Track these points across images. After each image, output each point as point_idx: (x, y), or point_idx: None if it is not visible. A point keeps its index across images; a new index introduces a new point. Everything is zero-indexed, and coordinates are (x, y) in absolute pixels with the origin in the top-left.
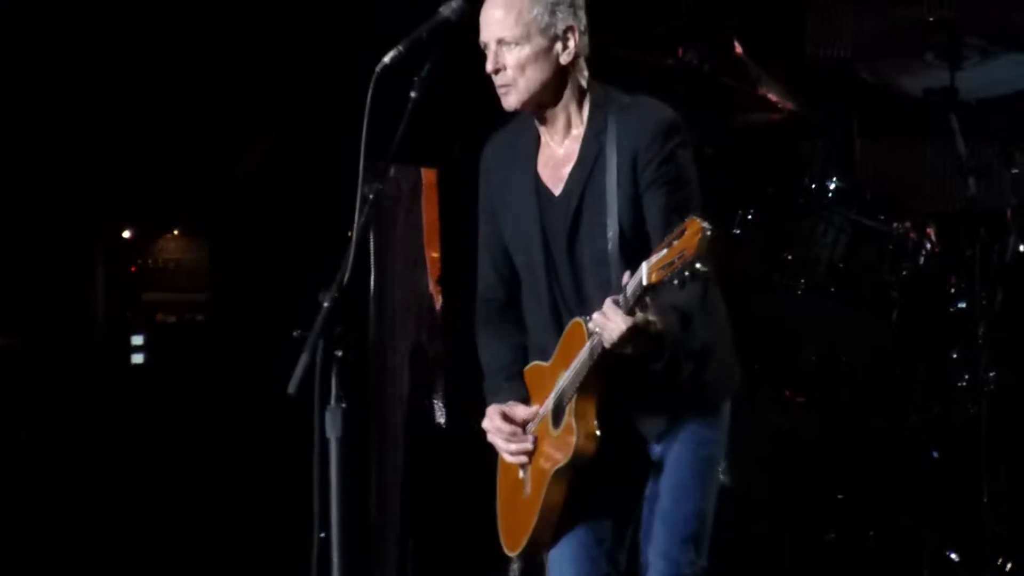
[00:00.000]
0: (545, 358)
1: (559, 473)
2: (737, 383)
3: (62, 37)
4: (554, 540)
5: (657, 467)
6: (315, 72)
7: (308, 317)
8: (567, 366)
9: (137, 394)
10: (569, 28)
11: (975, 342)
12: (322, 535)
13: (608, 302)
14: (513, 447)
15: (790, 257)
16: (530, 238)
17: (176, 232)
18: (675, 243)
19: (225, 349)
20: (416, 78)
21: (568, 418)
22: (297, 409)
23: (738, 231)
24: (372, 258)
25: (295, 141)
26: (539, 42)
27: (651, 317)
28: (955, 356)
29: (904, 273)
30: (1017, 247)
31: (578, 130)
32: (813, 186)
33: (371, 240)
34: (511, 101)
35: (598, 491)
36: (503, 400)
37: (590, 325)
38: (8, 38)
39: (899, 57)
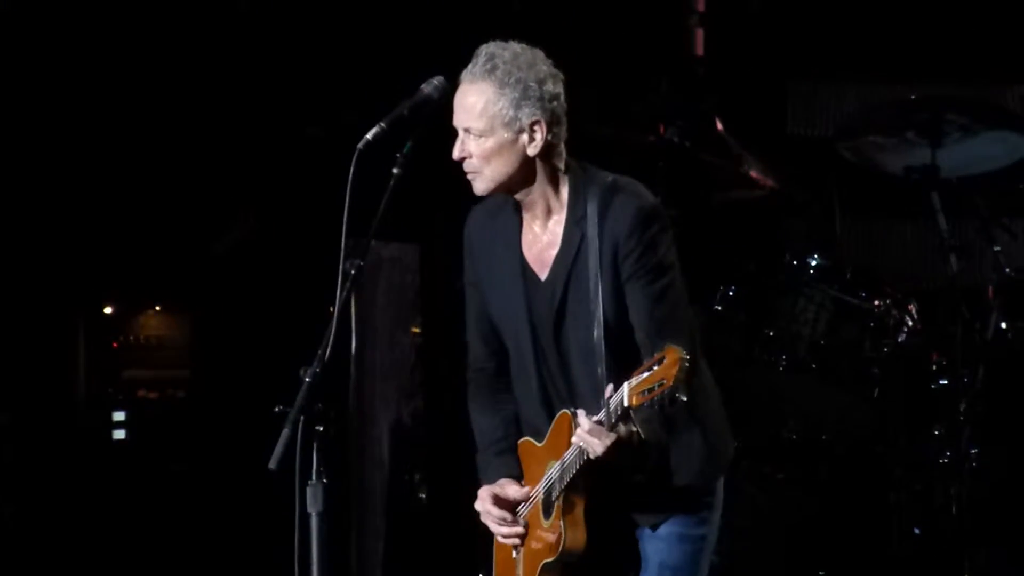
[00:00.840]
0: (538, 438)
1: (548, 567)
2: (730, 458)
3: (42, 111)
4: None
5: (652, 557)
6: (297, 148)
7: (289, 393)
8: (557, 456)
9: (118, 470)
10: (536, 122)
11: (957, 419)
12: None
13: (590, 422)
14: (504, 531)
15: (771, 333)
16: (518, 320)
17: (157, 308)
18: (656, 369)
19: (206, 425)
20: (398, 155)
21: (556, 514)
22: (278, 485)
23: (719, 307)
24: (353, 328)
25: (277, 217)
26: (503, 135)
27: (635, 428)
28: (937, 433)
29: (885, 350)
30: (999, 324)
31: (559, 215)
32: (795, 263)
33: (352, 312)
34: (479, 187)
35: None
36: (493, 478)
37: (574, 439)
38: None
39: (880, 135)
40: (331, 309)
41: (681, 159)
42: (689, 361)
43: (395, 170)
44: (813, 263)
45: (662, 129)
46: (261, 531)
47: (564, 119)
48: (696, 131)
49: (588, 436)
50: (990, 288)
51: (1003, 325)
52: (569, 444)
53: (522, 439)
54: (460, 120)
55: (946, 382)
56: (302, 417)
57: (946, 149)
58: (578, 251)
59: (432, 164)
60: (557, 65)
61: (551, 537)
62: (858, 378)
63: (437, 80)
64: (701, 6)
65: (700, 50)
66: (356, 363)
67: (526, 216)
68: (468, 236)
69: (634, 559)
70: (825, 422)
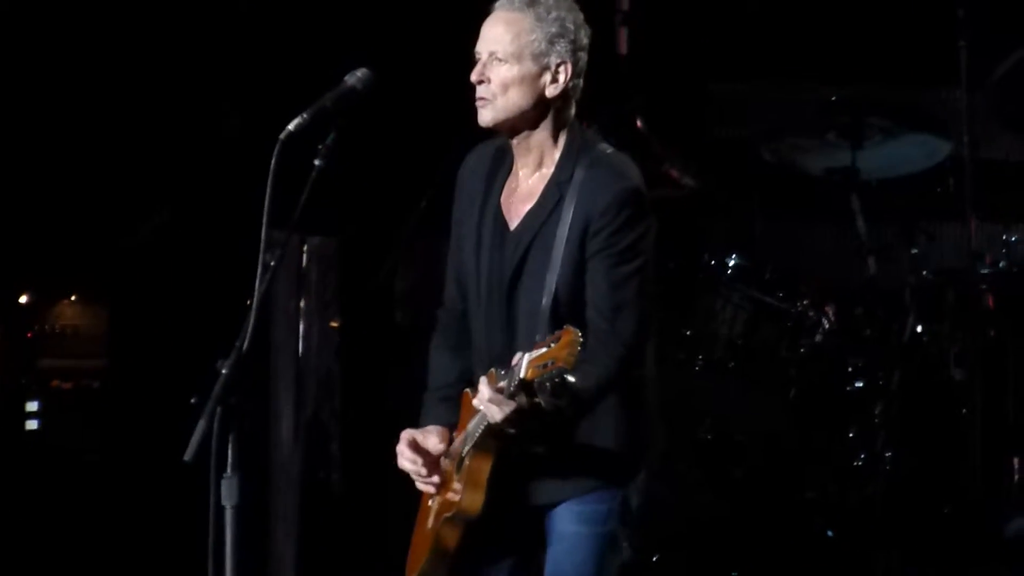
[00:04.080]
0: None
1: (447, 521)
2: (656, 454)
3: None
4: None
5: (557, 542)
6: (217, 138)
7: (206, 385)
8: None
9: (32, 460)
10: (562, 63)
11: (872, 422)
12: None
13: (490, 388)
14: (419, 476)
15: (689, 333)
16: (480, 266)
17: (73, 298)
18: (552, 346)
19: (121, 416)
20: (320, 146)
21: (462, 473)
22: (194, 477)
23: (648, 313)
24: (271, 321)
25: (195, 207)
26: (529, 66)
27: (536, 400)
28: (852, 435)
29: (802, 351)
30: (915, 327)
31: (547, 169)
32: (713, 263)
33: (271, 305)
34: (486, 116)
35: (496, 556)
36: (426, 422)
37: (475, 401)
38: None
39: (801, 137)
40: (249, 301)
41: None
42: (582, 346)
43: (317, 162)
44: (731, 263)
45: (584, 125)
46: (176, 524)
47: (582, 75)
48: (617, 129)
49: (488, 402)
50: (907, 291)
51: (919, 328)
52: None
53: (467, 389)
54: (487, 45)
55: (862, 384)
56: (218, 409)
57: (867, 151)
58: (551, 212)
59: (354, 157)
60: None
61: (454, 495)
62: (774, 379)
63: (361, 72)
64: (625, 5)
65: (624, 49)
66: (273, 356)
67: (517, 163)
68: (460, 176)
69: (538, 536)
70: (740, 422)
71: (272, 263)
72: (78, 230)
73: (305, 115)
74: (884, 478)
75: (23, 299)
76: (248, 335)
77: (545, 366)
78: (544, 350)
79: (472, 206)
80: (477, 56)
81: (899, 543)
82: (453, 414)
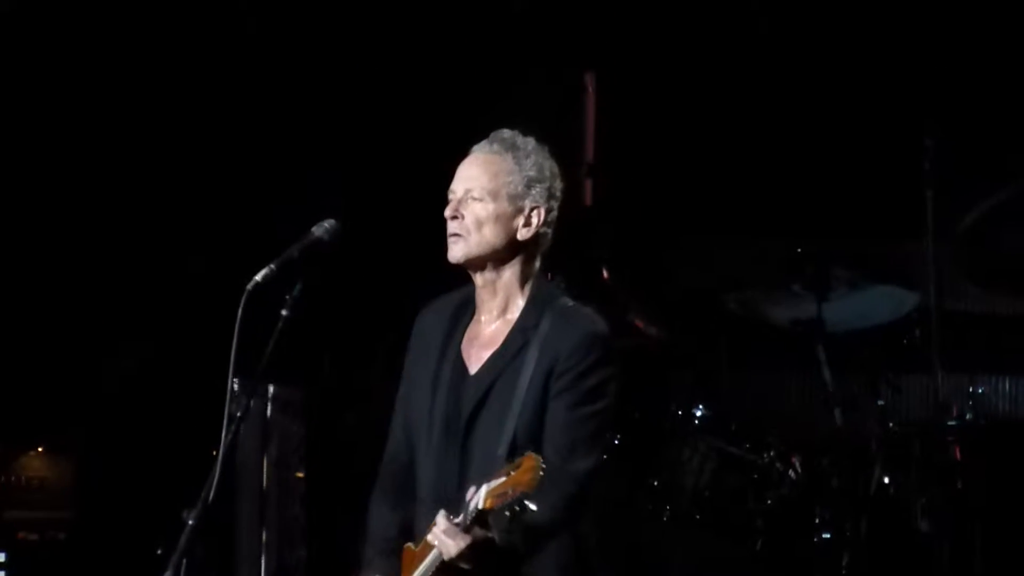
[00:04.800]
0: (416, 542)
1: None
2: None
3: None
4: None
5: None
6: (184, 285)
7: (172, 536)
8: (423, 560)
9: None
10: (536, 208)
11: (839, 572)
12: None
13: (447, 522)
14: None
15: (655, 483)
16: (434, 408)
17: (40, 449)
18: (512, 474)
19: (88, 568)
20: (287, 296)
21: None
22: None
23: (604, 455)
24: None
25: (163, 356)
26: (504, 206)
27: (491, 534)
28: None
29: (769, 502)
30: (882, 478)
31: (512, 315)
32: (680, 413)
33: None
34: (457, 251)
35: None
36: (371, 574)
37: (428, 537)
38: None
39: (767, 288)
40: (215, 452)
41: None
42: (544, 471)
43: (284, 312)
44: (698, 413)
45: (549, 276)
46: None
47: (552, 226)
48: (583, 280)
49: (443, 536)
50: (873, 442)
51: (886, 479)
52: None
53: (406, 544)
54: (463, 182)
55: (828, 535)
56: (184, 560)
57: (833, 303)
58: (514, 356)
59: (321, 307)
60: None
61: None
62: (741, 530)
63: (328, 223)
64: (590, 156)
65: (588, 200)
66: (239, 507)
67: (480, 308)
68: (417, 325)
69: None
70: (708, 573)
71: (238, 413)
72: (43, 382)
73: (272, 265)
74: None
75: None
76: (213, 485)
77: (504, 494)
78: (503, 479)
79: (427, 353)
80: (451, 195)
81: None
82: (395, 567)
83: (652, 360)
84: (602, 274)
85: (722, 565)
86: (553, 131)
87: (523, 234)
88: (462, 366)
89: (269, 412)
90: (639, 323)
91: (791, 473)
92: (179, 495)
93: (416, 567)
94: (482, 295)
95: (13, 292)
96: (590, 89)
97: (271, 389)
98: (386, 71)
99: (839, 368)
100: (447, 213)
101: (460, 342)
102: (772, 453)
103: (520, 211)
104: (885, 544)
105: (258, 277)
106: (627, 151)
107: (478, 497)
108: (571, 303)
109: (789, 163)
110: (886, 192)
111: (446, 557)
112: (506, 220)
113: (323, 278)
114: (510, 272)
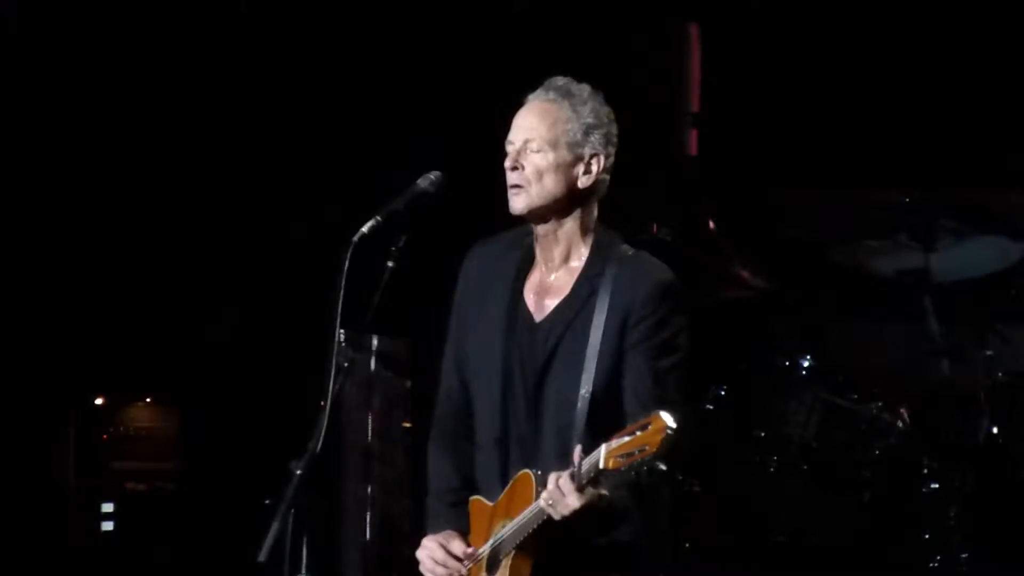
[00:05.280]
0: (489, 497)
1: None
2: (668, 559)
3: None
4: None
5: None
6: (285, 242)
7: (279, 486)
8: (510, 517)
9: (106, 562)
10: (596, 155)
11: (947, 524)
12: None
13: (563, 478)
14: None
15: (762, 435)
16: (495, 361)
17: (147, 400)
18: (638, 434)
19: (195, 518)
20: (393, 248)
21: (502, 573)
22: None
23: (710, 407)
24: (344, 422)
25: (267, 309)
26: (563, 155)
27: (603, 492)
28: (927, 538)
29: (876, 454)
30: (989, 429)
31: (576, 263)
32: (786, 364)
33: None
34: (519, 203)
35: None
36: (442, 527)
37: (542, 499)
38: None
39: (873, 239)
40: (322, 403)
41: (673, 258)
42: (675, 433)
43: (389, 264)
44: (804, 365)
45: (654, 228)
46: None
47: (610, 172)
48: (688, 231)
49: (557, 495)
50: (981, 393)
51: (994, 430)
52: (525, 504)
53: (473, 497)
54: (521, 134)
55: (936, 486)
56: (292, 510)
57: (939, 253)
58: (583, 307)
59: (427, 259)
60: None
61: None
62: (848, 481)
63: (433, 175)
64: (695, 107)
65: (694, 150)
66: (346, 457)
67: (539, 256)
68: (465, 269)
69: None
70: (814, 525)
71: (345, 364)
72: (150, 333)
73: (378, 217)
74: None
75: (97, 402)
76: (321, 436)
77: (630, 455)
78: (628, 438)
79: (483, 299)
80: (509, 146)
81: None
82: (463, 519)
83: (758, 311)
84: (708, 225)
85: (829, 516)
86: (658, 82)
87: (583, 182)
88: (527, 313)
89: (373, 365)
90: (744, 274)
91: (899, 424)
92: (285, 446)
93: (497, 523)
94: (543, 244)
95: (124, 249)
96: (694, 39)
97: (375, 341)
98: (489, 26)
99: (946, 319)
100: (507, 164)
101: (520, 289)
102: (879, 404)
103: (580, 159)
104: (993, 495)
105: (364, 229)
106: (732, 101)
107: (597, 456)
108: (632, 250)
109: (896, 113)
110: (994, 142)
111: (557, 516)
112: (566, 169)
113: (427, 229)
114: (572, 221)
